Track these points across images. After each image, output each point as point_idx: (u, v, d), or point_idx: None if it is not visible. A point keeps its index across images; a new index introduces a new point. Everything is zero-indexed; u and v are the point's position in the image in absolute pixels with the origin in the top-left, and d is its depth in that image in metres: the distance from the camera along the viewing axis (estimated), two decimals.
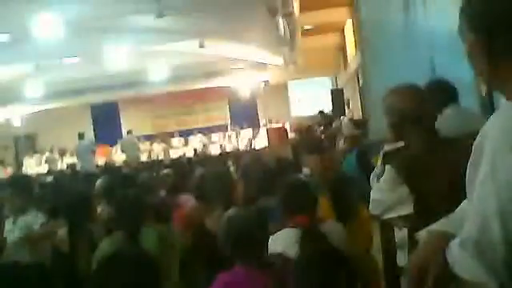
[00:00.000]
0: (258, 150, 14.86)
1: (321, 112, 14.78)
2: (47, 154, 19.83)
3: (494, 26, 1.24)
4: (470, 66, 1.34)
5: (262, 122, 21.85)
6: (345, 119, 15.09)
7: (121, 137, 21.90)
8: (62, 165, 18.12)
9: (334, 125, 14.07)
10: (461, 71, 3.47)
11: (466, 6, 1.32)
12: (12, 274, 1.93)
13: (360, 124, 12.31)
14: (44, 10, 11.54)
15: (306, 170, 5.32)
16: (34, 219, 4.03)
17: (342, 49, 17.32)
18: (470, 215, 1.21)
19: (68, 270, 3.32)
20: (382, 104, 2.49)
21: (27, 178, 6.59)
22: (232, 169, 7.88)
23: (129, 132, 19.02)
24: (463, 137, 2.29)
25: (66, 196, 4.80)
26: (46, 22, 11.68)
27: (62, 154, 19.32)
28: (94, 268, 2.27)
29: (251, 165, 5.55)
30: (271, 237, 2.75)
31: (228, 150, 18.44)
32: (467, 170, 1.29)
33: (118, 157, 19.35)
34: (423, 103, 2.40)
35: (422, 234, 1.47)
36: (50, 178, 11.35)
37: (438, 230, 1.41)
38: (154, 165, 11.98)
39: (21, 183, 4.38)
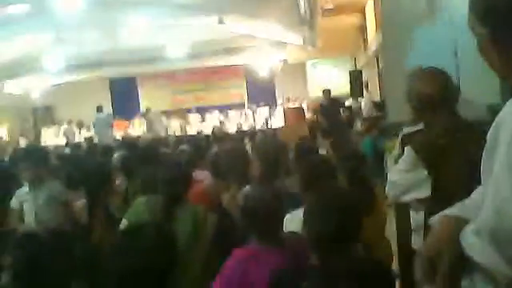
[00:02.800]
0: (274, 129, 14.83)
1: (324, 91, 13.22)
2: (65, 126, 19.99)
3: (502, 20, 1.23)
4: (483, 59, 1.34)
5: (279, 101, 21.76)
6: (365, 100, 14.95)
7: (139, 111, 22.09)
8: (79, 137, 18.27)
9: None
10: None
11: (474, 2, 1.31)
12: (36, 242, 1.97)
13: (380, 106, 12.21)
14: None
15: (322, 151, 5.33)
16: (59, 190, 4.08)
17: (362, 30, 17.13)
18: (486, 202, 1.20)
19: (86, 241, 3.36)
20: (406, 87, 2.46)
21: (42, 148, 6.66)
22: (248, 147, 7.90)
23: (148, 109, 19.35)
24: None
25: (84, 168, 4.85)
26: None
27: (80, 126, 19.48)
28: (116, 239, 2.31)
29: (266, 143, 5.56)
30: (288, 215, 2.76)
31: (244, 128, 18.45)
32: (482, 157, 1.28)
33: (136, 131, 19.48)
34: (448, 87, 2.37)
35: (436, 219, 1.47)
36: (67, 150, 11.48)
37: (451, 216, 1.40)
38: (171, 140, 12.04)
39: (35, 154, 4.42)
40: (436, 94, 2.33)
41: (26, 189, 4.25)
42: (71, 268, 2.23)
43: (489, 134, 1.25)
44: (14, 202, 4.27)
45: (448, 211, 1.44)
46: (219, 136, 11.35)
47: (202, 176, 4.78)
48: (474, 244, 1.21)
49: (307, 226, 2.13)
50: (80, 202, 3.79)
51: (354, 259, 2.11)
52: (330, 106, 12.69)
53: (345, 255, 2.07)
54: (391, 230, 3.88)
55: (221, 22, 15.87)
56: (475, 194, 1.44)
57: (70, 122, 19.85)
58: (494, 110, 1.30)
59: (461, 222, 1.33)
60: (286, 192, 3.36)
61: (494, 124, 1.24)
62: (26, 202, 4.17)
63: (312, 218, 2.13)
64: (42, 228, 3.20)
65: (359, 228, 2.14)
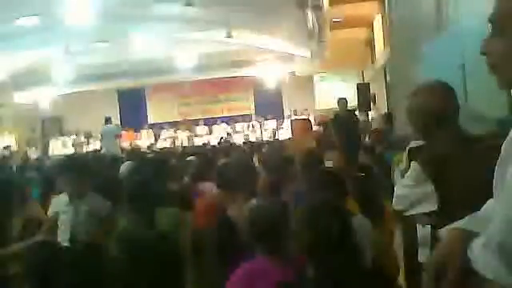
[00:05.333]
0: (281, 141, 14.82)
1: (339, 101, 10.87)
2: (73, 136, 20.07)
3: None
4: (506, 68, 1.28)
5: (287, 113, 21.79)
6: (372, 113, 14.92)
7: (146, 122, 22.23)
8: (87, 148, 18.33)
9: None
10: None
11: None
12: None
13: (387, 119, 12.10)
14: None
15: (328, 164, 5.32)
16: (101, 204, 3.91)
17: (370, 43, 17.17)
18: (496, 215, 1.19)
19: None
20: (407, 105, 2.42)
21: (84, 160, 6.41)
22: (255, 159, 7.90)
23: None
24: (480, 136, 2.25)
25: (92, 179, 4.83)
26: (76, 6, 11.81)
27: (88, 137, 19.55)
28: (116, 252, 2.31)
29: (273, 155, 5.57)
30: None
31: (252, 140, 18.47)
32: (495, 169, 1.27)
33: (143, 142, 19.56)
34: (451, 101, 2.35)
35: (444, 231, 1.46)
36: None
37: (460, 228, 1.39)
38: (178, 152, 12.05)
39: (79, 165, 4.24)
40: (440, 110, 2.30)
41: (65, 198, 4.02)
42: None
43: (503, 146, 1.24)
44: (51, 210, 4.12)
45: (457, 223, 1.43)
46: (226, 148, 11.35)
47: (209, 187, 4.79)
48: (481, 257, 1.20)
49: (298, 238, 2.17)
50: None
51: (349, 267, 2.12)
52: (345, 118, 10.55)
53: (341, 263, 2.08)
54: (397, 243, 3.87)
55: (229, 35, 15.95)
56: (487, 207, 1.43)
57: (78, 133, 19.93)
58: (504, 124, 1.29)
59: (470, 235, 1.32)
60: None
61: (509, 136, 1.22)
62: (64, 214, 3.99)
63: (301, 229, 2.16)
64: (80, 241, 3.16)
65: (348, 231, 2.17)
